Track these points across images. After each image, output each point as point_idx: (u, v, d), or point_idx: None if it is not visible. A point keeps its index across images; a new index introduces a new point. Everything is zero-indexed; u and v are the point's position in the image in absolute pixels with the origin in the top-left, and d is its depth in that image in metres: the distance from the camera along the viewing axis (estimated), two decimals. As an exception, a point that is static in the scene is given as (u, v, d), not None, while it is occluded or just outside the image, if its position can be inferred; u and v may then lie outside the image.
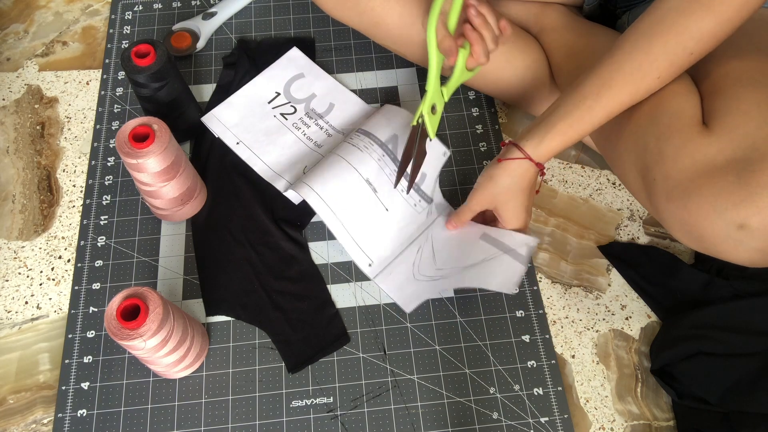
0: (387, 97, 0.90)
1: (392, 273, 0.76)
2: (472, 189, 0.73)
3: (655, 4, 0.60)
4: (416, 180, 0.79)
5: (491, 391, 0.70)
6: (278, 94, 0.89)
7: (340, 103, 0.89)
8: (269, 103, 0.88)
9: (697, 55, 0.59)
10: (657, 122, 0.61)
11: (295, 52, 0.92)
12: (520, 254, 0.72)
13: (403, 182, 0.76)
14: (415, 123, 0.72)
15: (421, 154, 0.74)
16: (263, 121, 0.87)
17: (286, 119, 0.87)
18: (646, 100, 0.64)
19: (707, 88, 0.63)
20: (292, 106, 0.88)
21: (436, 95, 0.71)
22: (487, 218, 0.77)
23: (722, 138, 0.56)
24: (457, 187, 0.83)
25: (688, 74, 0.64)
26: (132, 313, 0.60)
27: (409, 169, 0.75)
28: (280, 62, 0.92)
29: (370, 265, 0.76)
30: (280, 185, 0.81)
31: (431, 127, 0.72)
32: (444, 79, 0.72)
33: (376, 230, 0.76)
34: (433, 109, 0.71)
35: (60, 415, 0.69)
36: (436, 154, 0.80)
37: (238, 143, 0.85)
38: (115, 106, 0.89)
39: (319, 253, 0.79)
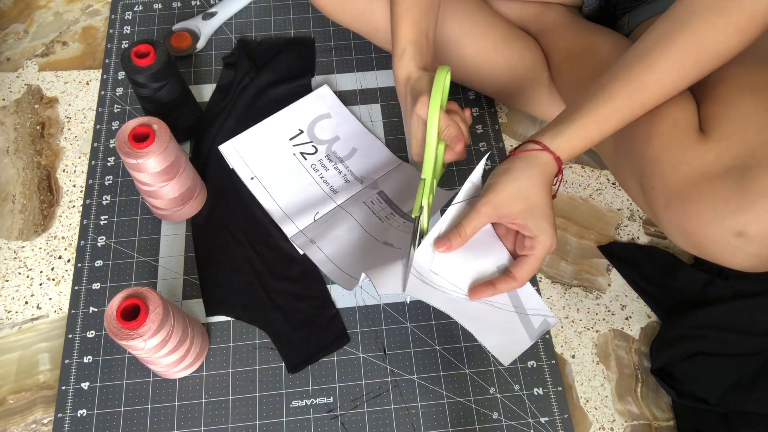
0: (387, 96, 0.90)
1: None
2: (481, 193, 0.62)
3: (679, 3, 0.57)
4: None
5: (491, 391, 0.70)
6: (301, 131, 0.86)
7: (364, 149, 0.85)
8: (291, 139, 0.85)
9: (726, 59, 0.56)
10: (654, 130, 0.61)
11: (325, 90, 0.89)
12: (532, 324, 0.63)
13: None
14: (417, 214, 0.63)
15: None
16: (282, 158, 0.84)
17: (306, 159, 0.84)
18: None
19: (704, 94, 0.62)
20: (313, 146, 0.85)
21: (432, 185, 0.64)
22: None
23: (720, 145, 0.56)
24: (456, 187, 0.83)
25: None
26: (132, 313, 0.60)
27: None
28: (308, 98, 0.88)
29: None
30: (288, 229, 0.78)
31: (428, 219, 0.64)
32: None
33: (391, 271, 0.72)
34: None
35: (60, 415, 0.69)
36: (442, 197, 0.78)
37: (252, 178, 0.82)
38: (115, 106, 0.89)
39: (319, 253, 0.79)
